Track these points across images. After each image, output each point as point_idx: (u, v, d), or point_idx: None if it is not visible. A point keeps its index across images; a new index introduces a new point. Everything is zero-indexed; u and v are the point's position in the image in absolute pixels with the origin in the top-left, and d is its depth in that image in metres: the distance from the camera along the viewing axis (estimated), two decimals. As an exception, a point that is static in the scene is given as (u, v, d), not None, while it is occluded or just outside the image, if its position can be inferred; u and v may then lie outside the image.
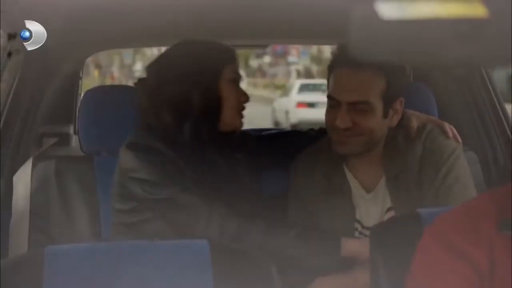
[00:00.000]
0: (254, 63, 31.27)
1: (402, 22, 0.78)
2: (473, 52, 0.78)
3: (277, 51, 28.81)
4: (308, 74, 27.24)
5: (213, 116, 1.74)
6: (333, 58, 1.82)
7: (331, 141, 1.84)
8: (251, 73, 30.32)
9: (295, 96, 14.85)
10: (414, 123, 1.89)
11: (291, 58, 30.42)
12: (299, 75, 27.52)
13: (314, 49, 26.92)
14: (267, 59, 30.92)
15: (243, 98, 1.79)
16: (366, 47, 0.81)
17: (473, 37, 0.76)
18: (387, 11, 0.77)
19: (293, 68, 28.59)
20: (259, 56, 29.73)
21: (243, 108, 1.80)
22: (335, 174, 1.88)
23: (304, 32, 2.40)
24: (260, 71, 31.75)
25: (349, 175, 1.88)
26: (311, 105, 13.72)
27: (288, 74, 28.77)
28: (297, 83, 16.58)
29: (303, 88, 15.27)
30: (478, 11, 0.76)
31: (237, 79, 1.79)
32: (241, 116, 1.80)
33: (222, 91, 1.75)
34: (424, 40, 0.79)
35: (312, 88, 15.21)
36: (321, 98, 8.07)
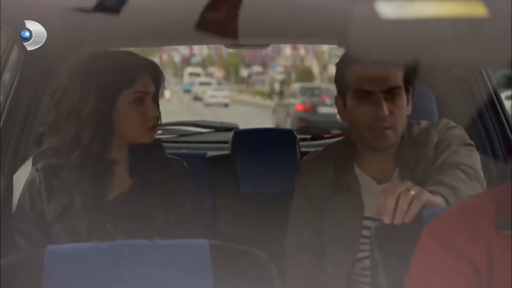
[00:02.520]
0: (244, 72, 35.76)
1: (402, 22, 0.78)
2: (473, 52, 0.78)
3: (260, 61, 33.43)
4: (286, 81, 31.17)
5: (101, 143, 1.76)
6: (347, 53, 1.83)
7: (367, 139, 1.83)
8: (241, 80, 35.07)
9: (210, 92, 27.77)
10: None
11: (278, 68, 33.56)
12: (272, 81, 32.18)
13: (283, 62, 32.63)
14: (255, 68, 34.99)
15: (151, 115, 1.79)
16: (366, 47, 0.81)
17: (473, 37, 0.76)
18: (387, 11, 0.77)
19: (276, 77, 32.63)
20: (248, 66, 34.93)
21: (153, 125, 1.80)
22: (344, 172, 1.88)
23: (304, 32, 2.40)
24: (250, 79, 35.01)
25: (359, 172, 1.88)
26: (214, 96, 27.19)
27: (273, 82, 32.16)
28: (212, 86, 29.83)
29: (214, 89, 29.09)
30: (478, 11, 0.75)
31: (139, 99, 1.77)
32: (151, 132, 1.80)
33: (120, 116, 1.76)
34: (424, 40, 0.79)
35: (217, 88, 29.47)
36: (219, 93, 27.71)
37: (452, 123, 1.89)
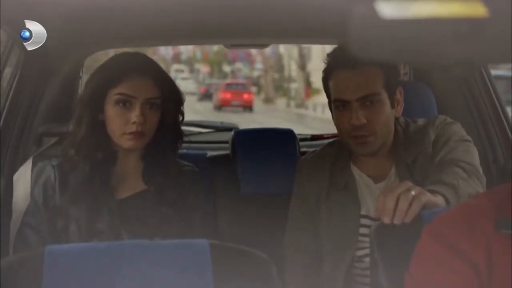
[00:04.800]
0: (226, 68, 41.97)
1: (402, 22, 0.78)
2: (473, 52, 0.78)
3: (240, 59, 39.17)
4: (262, 76, 36.83)
5: (95, 136, 1.76)
6: (329, 64, 1.85)
7: (350, 145, 1.85)
8: (225, 76, 40.57)
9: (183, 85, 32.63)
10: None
11: (258, 65, 38.93)
12: (247, 77, 38.06)
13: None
14: (237, 65, 40.62)
15: (132, 120, 1.73)
16: (366, 47, 0.81)
17: (473, 36, 0.76)
18: (387, 11, 0.77)
19: (256, 73, 38.62)
20: (231, 63, 40.83)
21: (134, 131, 1.73)
22: (340, 171, 1.89)
23: (304, 32, 2.40)
24: (233, 74, 40.16)
25: (355, 170, 1.88)
26: (185, 87, 28.98)
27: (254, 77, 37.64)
28: (189, 81, 36.22)
29: (187, 82, 34.29)
30: (478, 10, 0.75)
31: (121, 101, 1.73)
32: (132, 138, 1.73)
33: (106, 114, 1.76)
34: (424, 40, 0.79)
35: (190, 83, 35.43)
36: (190, 86, 33.90)
37: (449, 119, 1.90)
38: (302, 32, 2.42)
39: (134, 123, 1.72)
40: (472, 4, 0.76)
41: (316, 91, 26.22)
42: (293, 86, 31.35)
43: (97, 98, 1.75)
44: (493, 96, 2.42)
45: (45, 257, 1.17)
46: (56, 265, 1.17)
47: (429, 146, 1.84)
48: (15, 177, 1.87)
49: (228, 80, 29.57)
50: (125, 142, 1.75)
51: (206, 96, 30.89)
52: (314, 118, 20.40)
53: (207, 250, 1.20)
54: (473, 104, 2.43)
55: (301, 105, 26.40)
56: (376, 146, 1.83)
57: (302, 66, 30.26)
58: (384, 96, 1.80)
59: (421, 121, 1.92)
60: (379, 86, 1.80)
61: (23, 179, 1.83)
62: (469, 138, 1.86)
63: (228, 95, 23.73)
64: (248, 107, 23.40)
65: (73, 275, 1.17)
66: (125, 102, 1.74)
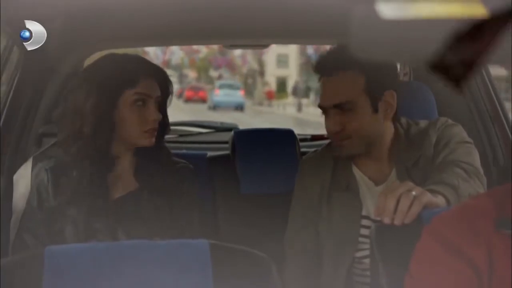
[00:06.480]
0: (213, 73, 44.35)
1: (402, 22, 0.78)
2: (473, 52, 0.78)
3: (222, 65, 41.94)
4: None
5: (102, 138, 1.77)
6: (315, 71, 1.88)
7: (333, 146, 1.89)
8: (211, 80, 43.59)
9: None
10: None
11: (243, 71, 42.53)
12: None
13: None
14: (222, 71, 43.52)
15: (151, 118, 1.79)
16: (366, 47, 0.81)
17: (473, 36, 0.76)
18: (387, 11, 0.77)
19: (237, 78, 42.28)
20: (216, 68, 43.00)
21: (150, 128, 1.79)
22: (342, 172, 1.90)
23: (304, 32, 2.40)
24: (219, 78, 42.83)
25: (356, 172, 1.89)
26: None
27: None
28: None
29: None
30: (478, 11, 0.75)
31: (141, 100, 1.78)
32: (150, 135, 1.80)
33: (121, 114, 1.78)
34: (424, 40, 0.79)
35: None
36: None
37: (450, 121, 1.90)
38: (301, 33, 2.42)
39: (154, 120, 1.79)
40: (472, 4, 0.76)
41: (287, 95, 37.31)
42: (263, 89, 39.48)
43: (109, 100, 1.77)
44: (493, 96, 2.42)
45: (45, 258, 1.17)
46: (56, 266, 1.17)
47: (430, 149, 1.84)
48: (15, 177, 1.87)
49: (191, 84, 41.57)
50: (144, 140, 1.79)
51: (181, 95, 37.81)
52: (259, 112, 28.51)
53: (207, 250, 1.20)
54: (473, 104, 2.43)
55: (260, 103, 36.05)
56: (354, 150, 1.84)
57: (261, 73, 39.74)
58: (363, 101, 1.80)
59: (422, 123, 1.91)
60: (356, 92, 1.80)
61: (23, 180, 1.83)
62: (470, 140, 1.86)
63: (191, 93, 35.97)
64: (203, 100, 34.77)
65: (73, 275, 1.17)
66: (143, 101, 1.79)
